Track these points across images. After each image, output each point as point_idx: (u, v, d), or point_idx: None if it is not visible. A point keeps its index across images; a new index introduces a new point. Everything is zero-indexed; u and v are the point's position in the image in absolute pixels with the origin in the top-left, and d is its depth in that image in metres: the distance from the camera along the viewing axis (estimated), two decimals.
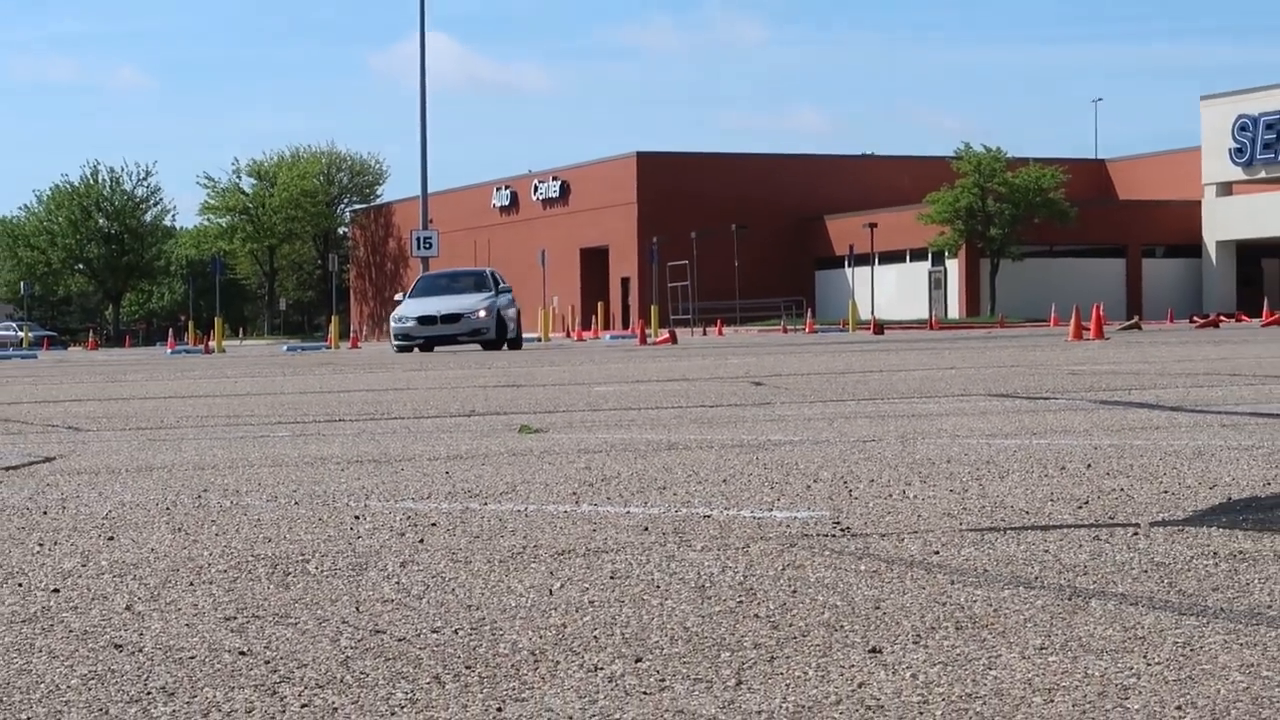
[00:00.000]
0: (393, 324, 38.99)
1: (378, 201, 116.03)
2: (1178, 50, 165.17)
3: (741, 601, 3.58)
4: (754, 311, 77.17)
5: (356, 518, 5.20)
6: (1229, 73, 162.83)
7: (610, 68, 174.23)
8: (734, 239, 79.93)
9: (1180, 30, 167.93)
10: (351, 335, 75.47)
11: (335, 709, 2.71)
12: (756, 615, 3.42)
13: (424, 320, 37.91)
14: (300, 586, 3.94)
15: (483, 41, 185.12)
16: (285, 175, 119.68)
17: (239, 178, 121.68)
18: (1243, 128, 73.48)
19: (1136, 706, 2.60)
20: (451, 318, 37.85)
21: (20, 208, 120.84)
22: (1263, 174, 73.31)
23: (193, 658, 3.12)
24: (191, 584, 4.00)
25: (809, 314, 71.47)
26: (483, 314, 37.95)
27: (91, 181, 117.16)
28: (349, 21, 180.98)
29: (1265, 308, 53.76)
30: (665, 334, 46.78)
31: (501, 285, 40.36)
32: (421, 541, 4.62)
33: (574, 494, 5.71)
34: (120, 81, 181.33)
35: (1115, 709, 2.59)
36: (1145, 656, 2.93)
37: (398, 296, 44.09)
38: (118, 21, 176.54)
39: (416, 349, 37.80)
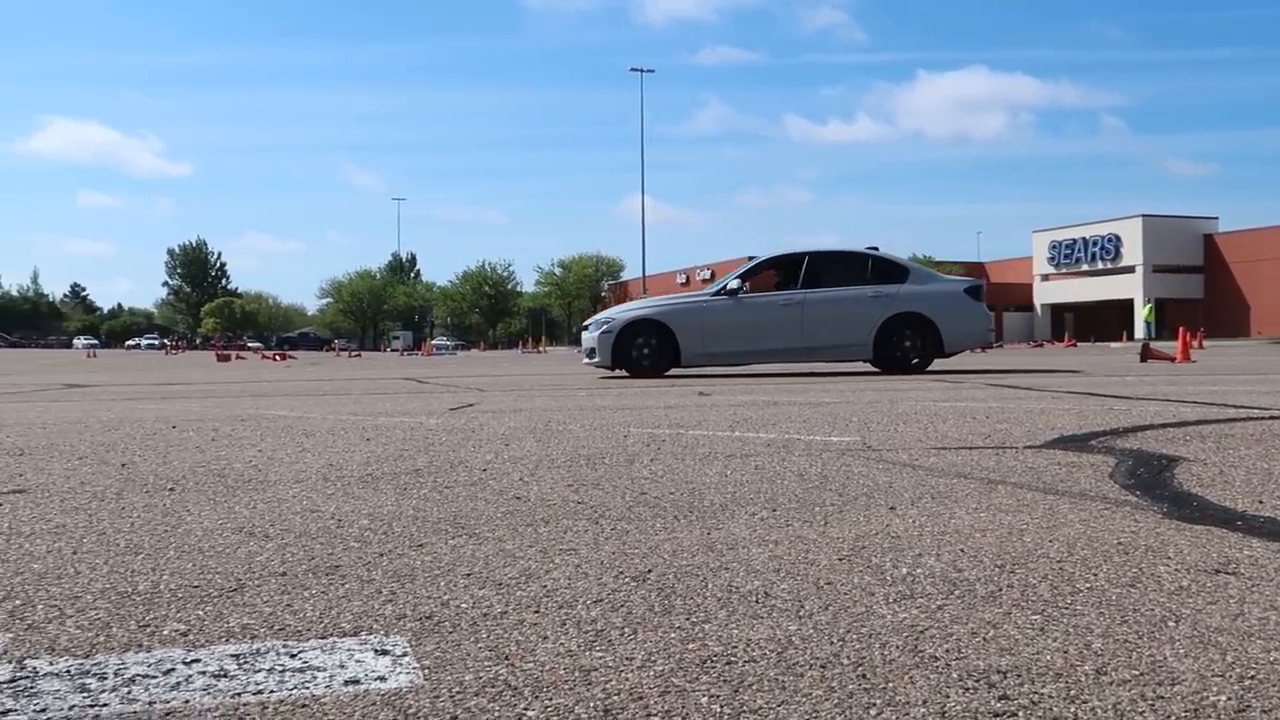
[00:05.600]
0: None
1: None
2: (1020, 208, 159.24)
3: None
4: None
5: None
6: (1048, 218, 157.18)
7: None
8: None
9: (1028, 195, 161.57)
10: None
11: None
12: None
13: None
14: None
15: None
16: None
17: None
18: (1053, 246, 71.10)
19: (1029, 539, 2.56)
20: None
21: None
22: (1064, 271, 70.80)
23: None
24: None
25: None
26: None
27: None
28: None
29: (1066, 338, 52.00)
30: None
31: None
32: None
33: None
34: None
35: (1016, 540, 2.55)
36: (1030, 514, 2.88)
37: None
38: None
39: None
